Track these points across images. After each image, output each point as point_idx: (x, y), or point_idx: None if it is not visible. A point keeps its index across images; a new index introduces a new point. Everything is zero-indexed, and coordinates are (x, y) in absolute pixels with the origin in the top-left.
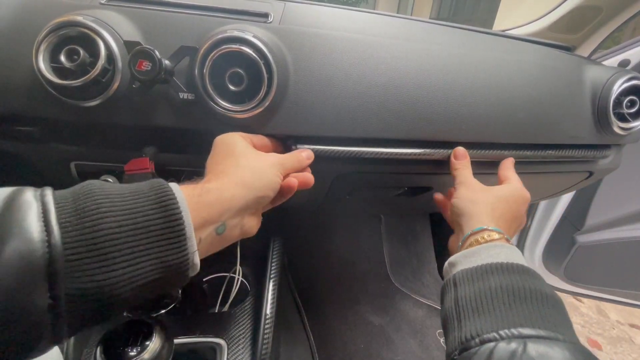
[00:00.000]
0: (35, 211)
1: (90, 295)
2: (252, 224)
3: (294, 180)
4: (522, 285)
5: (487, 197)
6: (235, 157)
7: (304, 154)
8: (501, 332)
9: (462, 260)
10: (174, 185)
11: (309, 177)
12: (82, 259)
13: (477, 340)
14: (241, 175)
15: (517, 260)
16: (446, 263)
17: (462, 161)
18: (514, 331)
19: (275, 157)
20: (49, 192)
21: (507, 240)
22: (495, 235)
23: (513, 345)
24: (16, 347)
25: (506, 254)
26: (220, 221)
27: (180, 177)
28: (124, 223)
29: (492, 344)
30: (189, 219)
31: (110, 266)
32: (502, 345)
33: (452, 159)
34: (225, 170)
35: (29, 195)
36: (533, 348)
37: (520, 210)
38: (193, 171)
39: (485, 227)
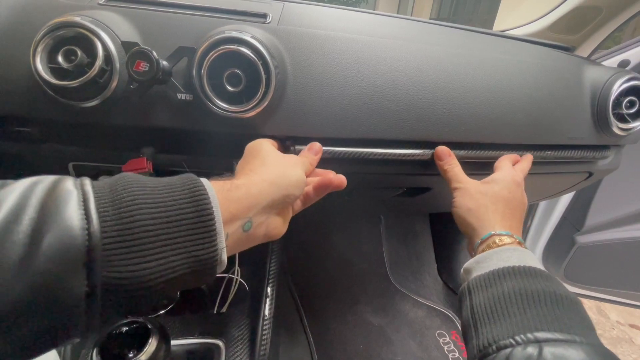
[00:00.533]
0: (76, 199)
1: (123, 285)
2: (277, 225)
3: (332, 176)
4: (534, 288)
5: (484, 201)
6: (261, 158)
7: (315, 147)
8: (517, 338)
9: (475, 267)
10: (204, 181)
11: (342, 178)
12: (118, 249)
13: (493, 347)
14: (268, 173)
15: (529, 262)
16: (462, 270)
17: (447, 160)
18: (530, 335)
19: (296, 156)
20: (87, 182)
21: (520, 243)
22: (506, 240)
23: (529, 350)
24: (52, 334)
25: (518, 257)
26: (247, 217)
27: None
28: (157, 215)
29: (508, 350)
30: (219, 214)
31: (145, 257)
32: (518, 350)
33: (437, 160)
34: (254, 169)
35: (70, 184)
36: (549, 351)
37: (516, 198)
38: (192, 172)
39: (492, 232)
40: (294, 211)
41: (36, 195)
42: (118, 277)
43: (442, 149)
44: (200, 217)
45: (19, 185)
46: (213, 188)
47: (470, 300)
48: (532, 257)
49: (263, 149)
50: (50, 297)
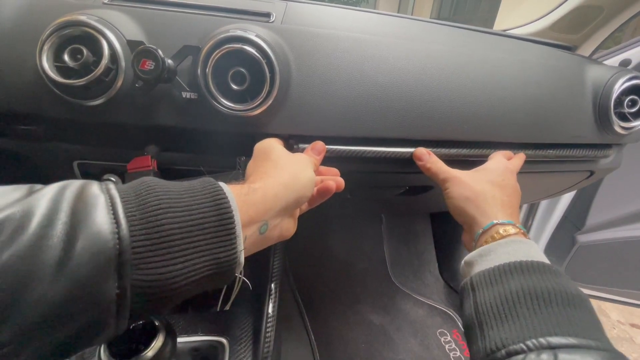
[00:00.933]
0: (104, 203)
1: (151, 287)
2: (289, 226)
3: (332, 184)
4: (544, 287)
5: (481, 188)
6: (273, 160)
7: (319, 146)
8: (528, 343)
9: (478, 260)
10: (223, 185)
11: (341, 181)
12: (146, 252)
13: (503, 352)
14: (282, 176)
15: (536, 257)
16: (462, 262)
17: (428, 159)
18: (543, 341)
19: (305, 156)
20: (112, 186)
21: (524, 234)
22: (511, 230)
23: (543, 357)
24: (83, 337)
25: (524, 250)
26: (263, 220)
27: (182, 176)
28: (182, 219)
29: (520, 357)
30: (238, 217)
31: (170, 260)
32: (531, 357)
33: (417, 162)
34: (268, 172)
35: (96, 188)
36: (564, 359)
37: (511, 185)
38: (195, 170)
39: (495, 221)
40: (300, 211)
41: (66, 200)
42: (146, 280)
43: (421, 150)
44: (221, 220)
45: (49, 191)
46: (232, 192)
47: (475, 297)
48: (538, 250)
49: (274, 151)
50: (84, 301)
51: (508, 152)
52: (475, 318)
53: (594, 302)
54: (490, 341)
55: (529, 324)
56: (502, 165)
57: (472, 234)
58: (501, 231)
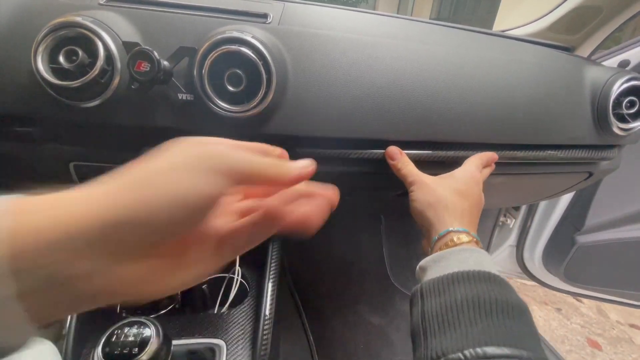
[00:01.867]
0: None
1: None
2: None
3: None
4: (487, 296)
5: (444, 195)
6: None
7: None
8: (465, 353)
9: (431, 265)
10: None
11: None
12: None
13: None
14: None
15: (485, 266)
16: (417, 267)
17: (400, 159)
18: (479, 351)
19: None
20: None
21: (477, 242)
22: (464, 238)
23: None
24: None
25: (475, 259)
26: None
27: None
28: None
29: None
30: None
31: None
32: None
33: (389, 160)
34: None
35: None
36: None
37: (475, 194)
38: None
39: (450, 229)
40: None
41: None
42: None
43: (394, 149)
44: None
45: None
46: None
47: (422, 305)
48: (488, 260)
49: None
50: None
51: (486, 155)
52: (421, 325)
53: (594, 303)
54: (431, 350)
55: (468, 334)
56: (469, 174)
57: (429, 240)
58: (455, 239)
